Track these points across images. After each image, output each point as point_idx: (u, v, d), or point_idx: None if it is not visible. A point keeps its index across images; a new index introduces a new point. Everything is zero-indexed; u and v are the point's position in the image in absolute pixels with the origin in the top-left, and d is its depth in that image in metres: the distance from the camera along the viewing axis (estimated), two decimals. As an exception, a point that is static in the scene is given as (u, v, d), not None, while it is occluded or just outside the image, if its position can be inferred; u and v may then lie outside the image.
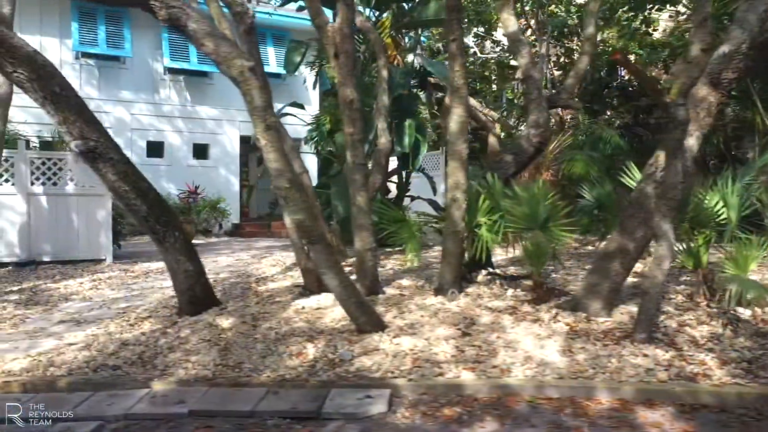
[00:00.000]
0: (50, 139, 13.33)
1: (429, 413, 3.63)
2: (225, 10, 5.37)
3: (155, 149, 14.90)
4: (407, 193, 10.48)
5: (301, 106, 11.32)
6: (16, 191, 8.72)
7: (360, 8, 8.74)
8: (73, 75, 13.95)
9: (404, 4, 7.81)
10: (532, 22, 13.10)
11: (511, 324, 4.94)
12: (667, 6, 11.14)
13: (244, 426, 3.50)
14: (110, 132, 15.11)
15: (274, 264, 8.69)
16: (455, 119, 5.18)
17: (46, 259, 8.95)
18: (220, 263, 9.52)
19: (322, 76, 11.46)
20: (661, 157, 4.78)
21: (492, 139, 10.33)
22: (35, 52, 4.46)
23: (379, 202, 6.88)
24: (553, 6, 12.46)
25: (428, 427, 3.46)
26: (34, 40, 13.55)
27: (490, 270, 6.28)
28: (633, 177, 5.60)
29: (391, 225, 5.79)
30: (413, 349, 4.48)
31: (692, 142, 4.81)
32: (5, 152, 9.05)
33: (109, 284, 7.64)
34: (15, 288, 7.40)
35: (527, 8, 11.66)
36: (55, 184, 9.09)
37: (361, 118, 5.34)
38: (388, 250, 8.44)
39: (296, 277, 7.29)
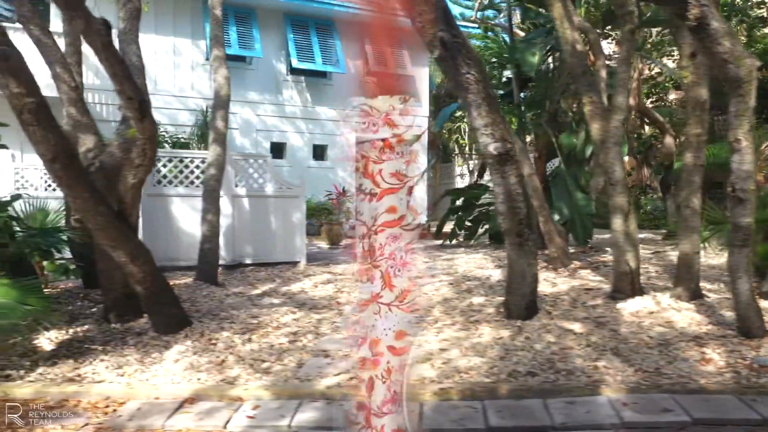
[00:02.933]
0: (184, 141, 13.21)
1: None
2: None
3: (278, 150, 14.83)
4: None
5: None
6: (223, 193, 8.60)
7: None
8: (204, 76, 13.88)
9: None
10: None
11: None
12: None
13: (771, 435, 3.43)
14: (237, 133, 15.15)
15: (479, 266, 8.61)
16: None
17: (247, 261, 8.88)
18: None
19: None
20: None
21: (669, 140, 10.28)
22: (480, 55, 4.40)
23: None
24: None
25: None
26: (167, 41, 13.52)
27: None
28: None
29: (710, 226, 5.73)
30: (828, 354, 4.41)
31: None
32: (203, 153, 9.03)
33: (348, 288, 7.57)
34: (257, 291, 7.32)
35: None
36: (254, 185, 9.02)
37: (709, 119, 5.26)
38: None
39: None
